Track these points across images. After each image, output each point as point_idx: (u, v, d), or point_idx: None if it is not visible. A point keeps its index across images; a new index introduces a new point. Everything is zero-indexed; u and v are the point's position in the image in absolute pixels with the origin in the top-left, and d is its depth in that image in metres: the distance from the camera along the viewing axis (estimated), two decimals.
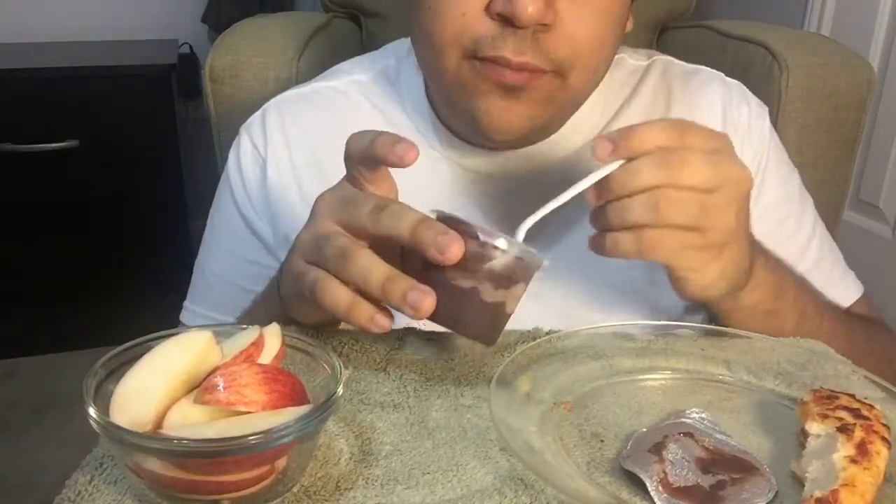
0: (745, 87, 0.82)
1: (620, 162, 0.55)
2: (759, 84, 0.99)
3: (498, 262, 0.51)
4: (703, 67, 0.83)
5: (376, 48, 0.87)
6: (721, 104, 0.79)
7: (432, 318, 0.51)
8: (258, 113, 0.82)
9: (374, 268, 0.51)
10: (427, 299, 0.49)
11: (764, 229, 0.69)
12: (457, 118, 0.74)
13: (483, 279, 0.51)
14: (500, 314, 0.53)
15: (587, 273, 0.74)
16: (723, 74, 0.83)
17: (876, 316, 0.84)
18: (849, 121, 1.04)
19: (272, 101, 0.83)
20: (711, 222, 0.56)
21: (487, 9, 0.63)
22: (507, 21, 0.62)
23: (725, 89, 0.80)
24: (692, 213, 0.55)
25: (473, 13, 0.64)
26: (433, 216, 0.54)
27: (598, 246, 0.59)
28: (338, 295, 0.52)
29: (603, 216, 0.57)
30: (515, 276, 0.52)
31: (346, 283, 0.52)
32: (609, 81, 0.78)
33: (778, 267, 0.68)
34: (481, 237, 0.50)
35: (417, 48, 0.73)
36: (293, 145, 0.79)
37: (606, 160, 0.55)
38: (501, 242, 0.51)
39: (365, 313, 0.52)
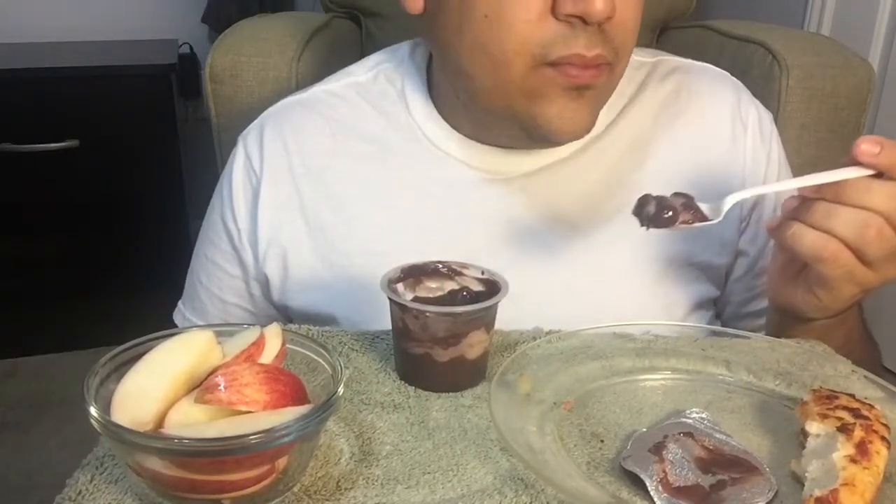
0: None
1: (868, 172, 0.55)
2: (759, 84, 0.99)
3: (439, 327, 0.54)
4: (710, 66, 0.83)
5: (376, 48, 0.86)
6: (730, 102, 0.79)
7: (403, 380, 0.57)
8: (256, 121, 0.82)
9: None
10: None
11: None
12: (501, 124, 0.71)
13: (431, 344, 0.54)
14: (461, 365, 0.55)
15: (595, 271, 0.74)
16: (729, 73, 0.83)
17: None
18: (849, 121, 1.04)
19: (271, 109, 0.82)
20: (887, 267, 0.57)
21: (553, 11, 0.62)
22: (576, 19, 0.62)
23: (734, 88, 0.81)
24: (886, 253, 0.56)
25: (536, 18, 0.63)
26: (398, 272, 0.58)
27: (779, 230, 0.59)
28: None
29: (808, 208, 0.57)
30: (467, 327, 0.54)
31: None
32: None
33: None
34: (418, 309, 0.54)
35: (466, 61, 0.68)
36: (292, 152, 0.78)
37: (865, 160, 0.54)
38: (437, 309, 0.54)
39: None
